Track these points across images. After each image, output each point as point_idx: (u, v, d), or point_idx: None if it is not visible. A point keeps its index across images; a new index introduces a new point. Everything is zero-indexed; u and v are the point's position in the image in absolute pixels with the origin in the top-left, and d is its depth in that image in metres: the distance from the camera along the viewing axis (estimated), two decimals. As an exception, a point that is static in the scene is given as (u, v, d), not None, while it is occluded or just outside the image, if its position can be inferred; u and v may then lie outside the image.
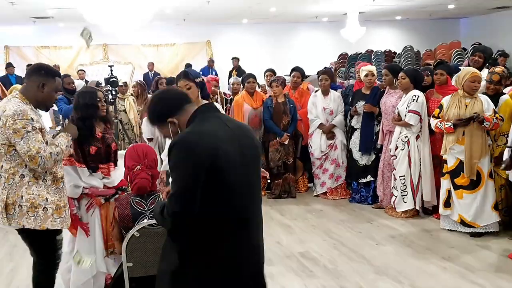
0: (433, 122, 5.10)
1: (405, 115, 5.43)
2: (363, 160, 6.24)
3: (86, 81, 10.82)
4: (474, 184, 4.87)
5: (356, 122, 6.27)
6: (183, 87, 3.75)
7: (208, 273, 2.12)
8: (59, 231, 3.25)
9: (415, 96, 5.42)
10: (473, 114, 4.74)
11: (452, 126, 4.86)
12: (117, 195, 3.58)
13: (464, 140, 4.84)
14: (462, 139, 4.86)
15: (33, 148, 2.94)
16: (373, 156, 6.18)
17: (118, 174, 3.68)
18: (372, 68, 6.34)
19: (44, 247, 3.24)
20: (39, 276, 3.29)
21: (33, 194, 3.02)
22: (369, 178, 6.22)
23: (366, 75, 6.19)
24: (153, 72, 14.27)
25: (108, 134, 3.68)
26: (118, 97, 7.39)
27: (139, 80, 8.72)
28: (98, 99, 3.57)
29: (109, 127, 3.74)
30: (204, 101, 3.67)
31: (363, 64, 6.70)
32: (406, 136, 5.49)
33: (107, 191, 3.61)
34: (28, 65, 13.10)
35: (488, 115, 4.74)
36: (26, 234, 3.14)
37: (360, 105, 6.14)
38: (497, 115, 4.74)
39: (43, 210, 3.04)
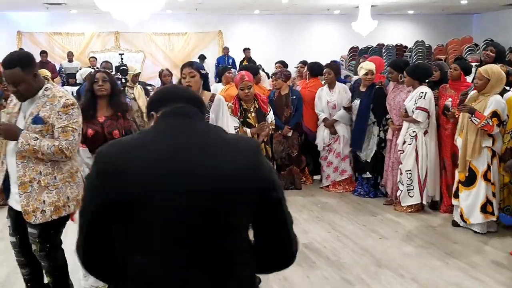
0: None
1: (413, 112, 5.44)
2: (362, 156, 6.26)
3: (97, 68, 10.90)
4: (469, 182, 4.89)
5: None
6: (187, 75, 3.87)
7: None
8: None
9: (422, 92, 5.40)
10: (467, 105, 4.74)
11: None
12: None
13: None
14: (461, 134, 4.93)
15: None
16: (372, 153, 6.18)
17: None
18: (372, 66, 6.14)
19: (60, 230, 3.28)
20: (62, 258, 3.26)
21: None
22: (368, 174, 6.27)
23: (366, 74, 6.12)
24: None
25: (115, 120, 3.62)
26: (128, 86, 7.43)
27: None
28: (95, 80, 3.60)
29: (121, 115, 3.67)
30: (206, 92, 3.74)
31: (371, 59, 6.65)
32: (414, 131, 5.49)
33: None
34: (42, 52, 13.26)
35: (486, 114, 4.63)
36: (60, 220, 3.13)
37: (356, 104, 6.20)
38: (494, 119, 4.58)
39: None
